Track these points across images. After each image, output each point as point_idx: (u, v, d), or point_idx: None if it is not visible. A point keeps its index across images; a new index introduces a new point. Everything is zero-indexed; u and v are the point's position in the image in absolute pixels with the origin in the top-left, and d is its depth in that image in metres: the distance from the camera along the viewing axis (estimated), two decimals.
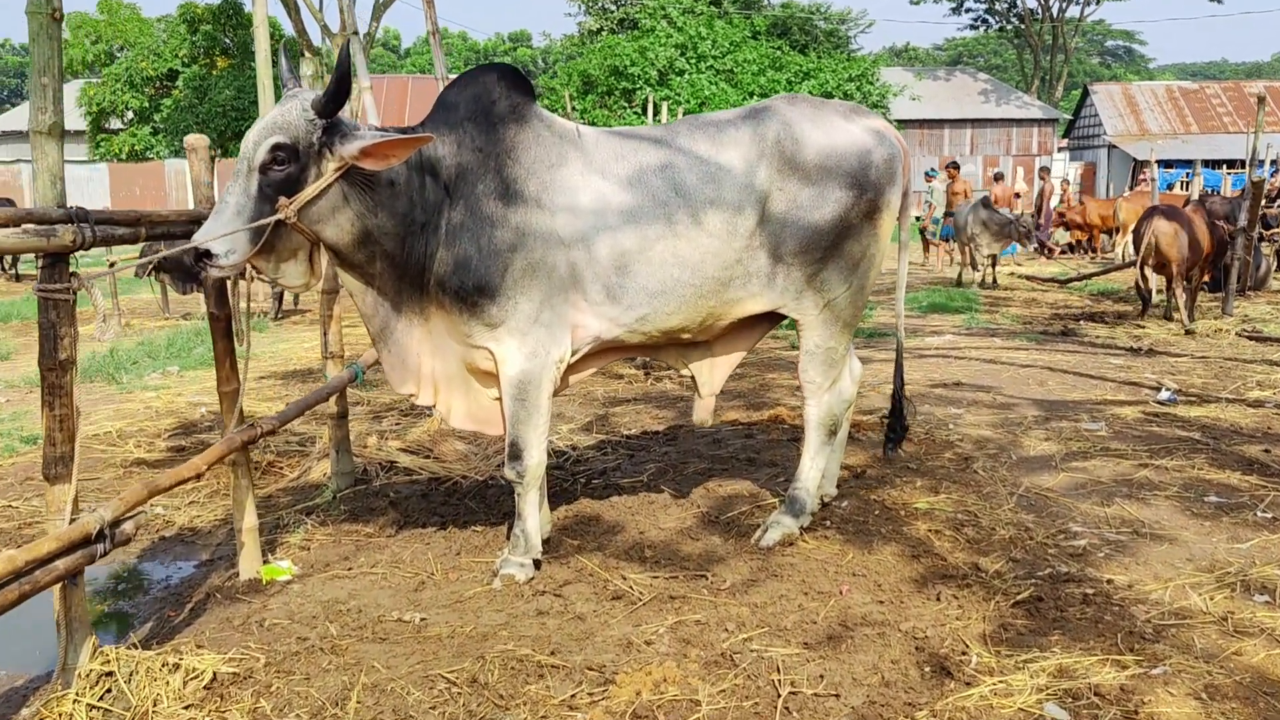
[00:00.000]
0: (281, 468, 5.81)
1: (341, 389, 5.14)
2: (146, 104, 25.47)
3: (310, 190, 3.44)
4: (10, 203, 20.95)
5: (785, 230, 3.95)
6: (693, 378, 4.37)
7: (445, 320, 3.85)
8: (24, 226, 2.75)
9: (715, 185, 3.89)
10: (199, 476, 3.59)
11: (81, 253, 3.12)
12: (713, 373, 4.35)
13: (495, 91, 3.78)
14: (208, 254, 3.33)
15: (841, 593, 3.79)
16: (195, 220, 3.58)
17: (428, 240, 3.71)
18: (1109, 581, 3.83)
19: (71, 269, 2.90)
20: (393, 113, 36.64)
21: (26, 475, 5.65)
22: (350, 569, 4.16)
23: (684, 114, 24.92)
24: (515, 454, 3.93)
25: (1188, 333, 10.10)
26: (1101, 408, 6.63)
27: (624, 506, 4.80)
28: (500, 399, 3.95)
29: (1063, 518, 4.52)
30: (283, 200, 3.41)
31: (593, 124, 27.88)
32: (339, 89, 3.38)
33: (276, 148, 3.39)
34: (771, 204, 3.94)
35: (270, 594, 3.94)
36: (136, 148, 25.34)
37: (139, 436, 6.55)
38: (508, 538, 4.28)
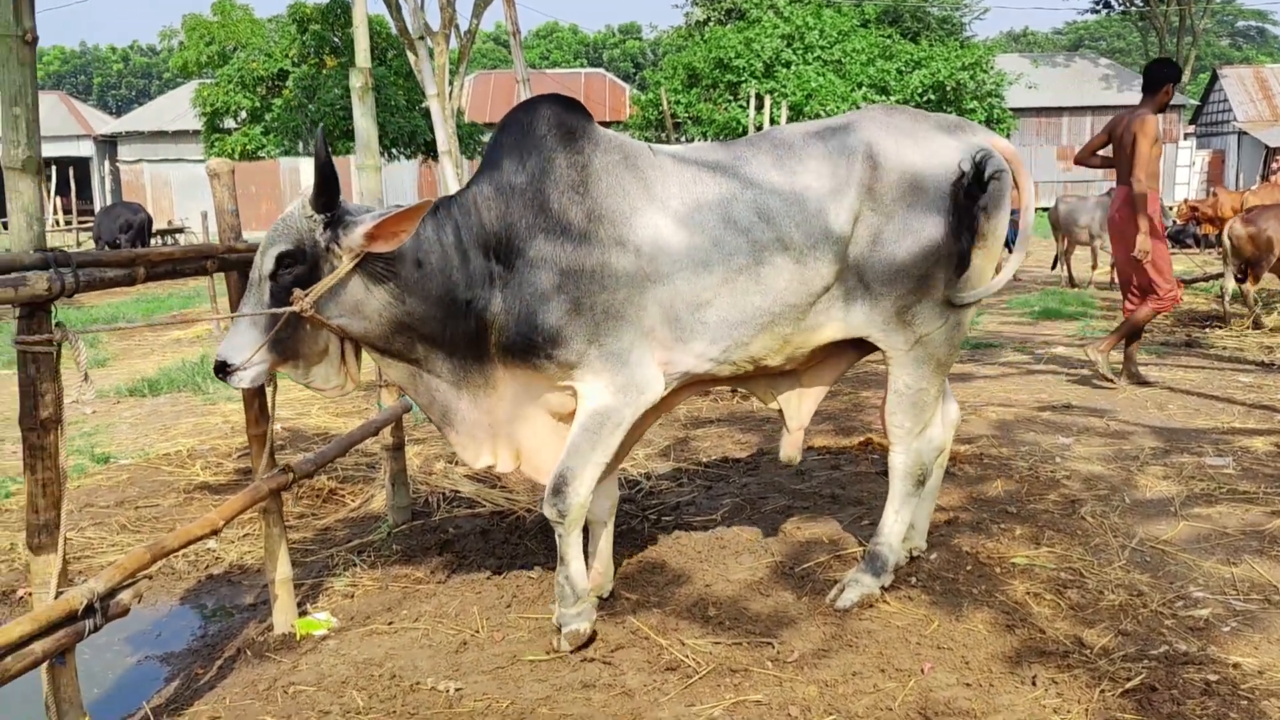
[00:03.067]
0: (343, 495, 5.60)
1: (395, 420, 4.87)
2: (258, 104, 25.91)
3: (324, 283, 3.25)
4: (140, 210, 21.46)
5: (875, 256, 3.54)
6: (780, 411, 4.01)
7: (520, 379, 3.54)
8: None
9: (801, 207, 3.50)
10: (215, 532, 3.33)
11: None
12: (801, 404, 3.99)
13: (542, 128, 3.43)
14: (226, 366, 3.26)
15: (923, 671, 3.34)
16: (204, 256, 3.33)
17: (481, 312, 3.41)
18: (1235, 666, 3.30)
19: (55, 319, 2.65)
20: (499, 108, 36.73)
21: (88, 501, 5.54)
22: (392, 622, 3.88)
23: (789, 107, 24.30)
24: (559, 486, 3.50)
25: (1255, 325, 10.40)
26: (1228, 438, 5.99)
27: (693, 551, 4.43)
28: None
29: (1182, 579, 3.99)
30: (297, 293, 3.24)
31: (697, 118, 27.45)
32: (325, 182, 3.18)
33: (280, 256, 3.26)
34: (861, 227, 3.53)
35: (303, 652, 3.67)
36: (249, 147, 25.80)
37: (209, 456, 6.41)
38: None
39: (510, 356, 3.46)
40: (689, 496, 5.26)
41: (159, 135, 37.15)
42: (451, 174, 6.73)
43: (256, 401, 3.62)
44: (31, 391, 2.59)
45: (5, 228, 30.92)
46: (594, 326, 3.35)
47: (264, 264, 3.27)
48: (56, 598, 2.64)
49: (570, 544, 3.61)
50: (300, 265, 3.25)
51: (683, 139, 27.59)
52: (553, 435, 3.68)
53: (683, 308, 3.45)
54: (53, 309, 2.64)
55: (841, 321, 3.65)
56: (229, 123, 26.95)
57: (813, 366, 3.91)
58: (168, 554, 3.10)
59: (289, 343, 3.31)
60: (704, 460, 5.93)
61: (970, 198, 3.56)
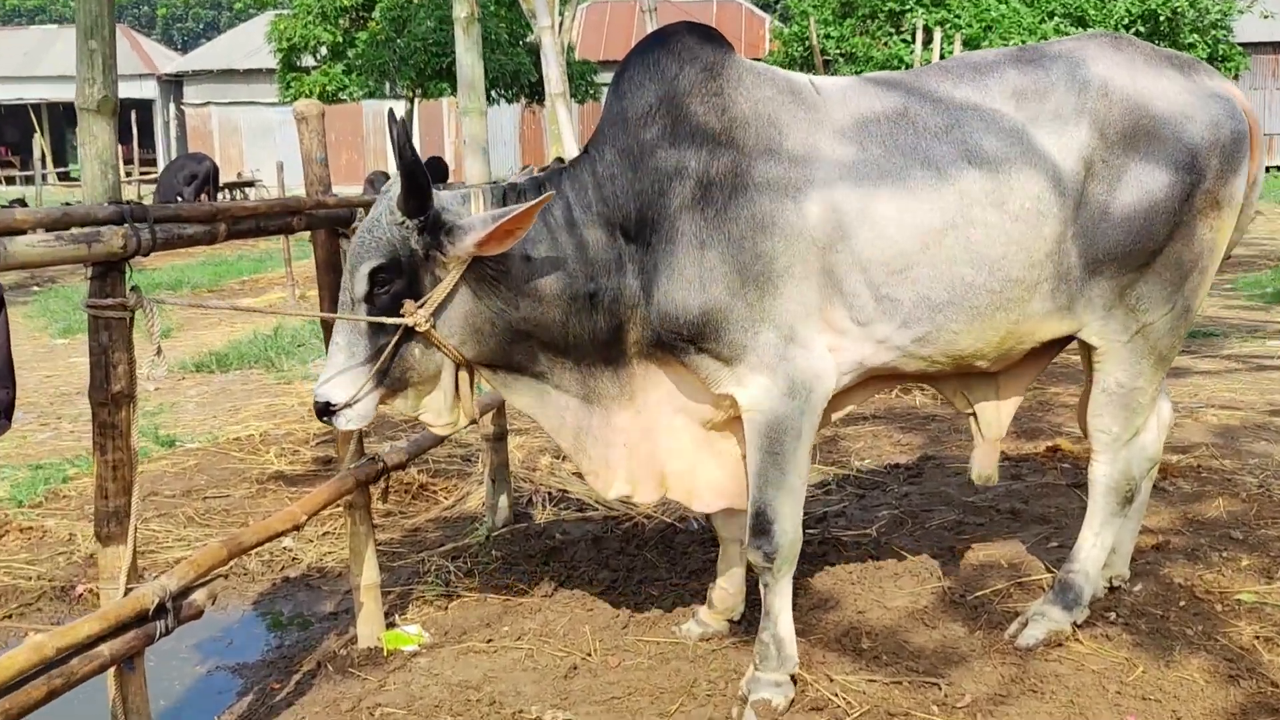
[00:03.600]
0: (436, 491, 5.77)
1: (497, 406, 4.97)
2: (340, 38, 26.44)
3: (437, 293, 3.25)
4: (204, 159, 22.21)
5: (1104, 220, 3.40)
6: (973, 416, 3.86)
7: (662, 385, 3.50)
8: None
9: (1021, 150, 3.34)
10: (297, 528, 3.45)
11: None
12: (999, 411, 3.83)
13: (674, 66, 3.34)
14: (328, 406, 3.27)
15: None
16: (291, 211, 3.43)
17: (611, 305, 3.36)
18: None
19: (131, 282, 2.77)
20: (615, 44, 36.87)
21: (152, 489, 5.79)
22: (491, 640, 3.97)
23: (963, 41, 23.85)
24: (762, 526, 3.41)
25: None
26: None
27: (843, 572, 4.43)
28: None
29: None
30: (409, 304, 3.24)
31: (851, 54, 27.14)
32: (413, 183, 3.13)
33: (374, 273, 3.24)
34: (1090, 182, 3.38)
35: (391, 669, 3.79)
36: (329, 88, 26.35)
37: (284, 442, 6.64)
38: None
39: (652, 355, 3.42)
40: (838, 506, 5.26)
41: (229, 75, 38.34)
42: (565, 119, 6.78)
43: None
44: (103, 362, 2.72)
45: (62, 179, 32.14)
46: (749, 308, 3.25)
47: (355, 286, 3.26)
48: (126, 595, 2.76)
49: (778, 594, 3.48)
50: (398, 279, 3.23)
51: None
52: (704, 450, 3.60)
53: (861, 281, 3.31)
54: (128, 269, 2.75)
55: (1064, 309, 3.49)
56: (307, 60, 27.58)
57: (1014, 365, 3.77)
58: (245, 550, 3.24)
59: (397, 370, 3.31)
60: (857, 465, 5.92)
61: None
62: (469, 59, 4.98)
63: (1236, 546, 4.52)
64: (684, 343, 3.31)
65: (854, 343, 3.40)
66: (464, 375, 3.47)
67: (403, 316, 3.22)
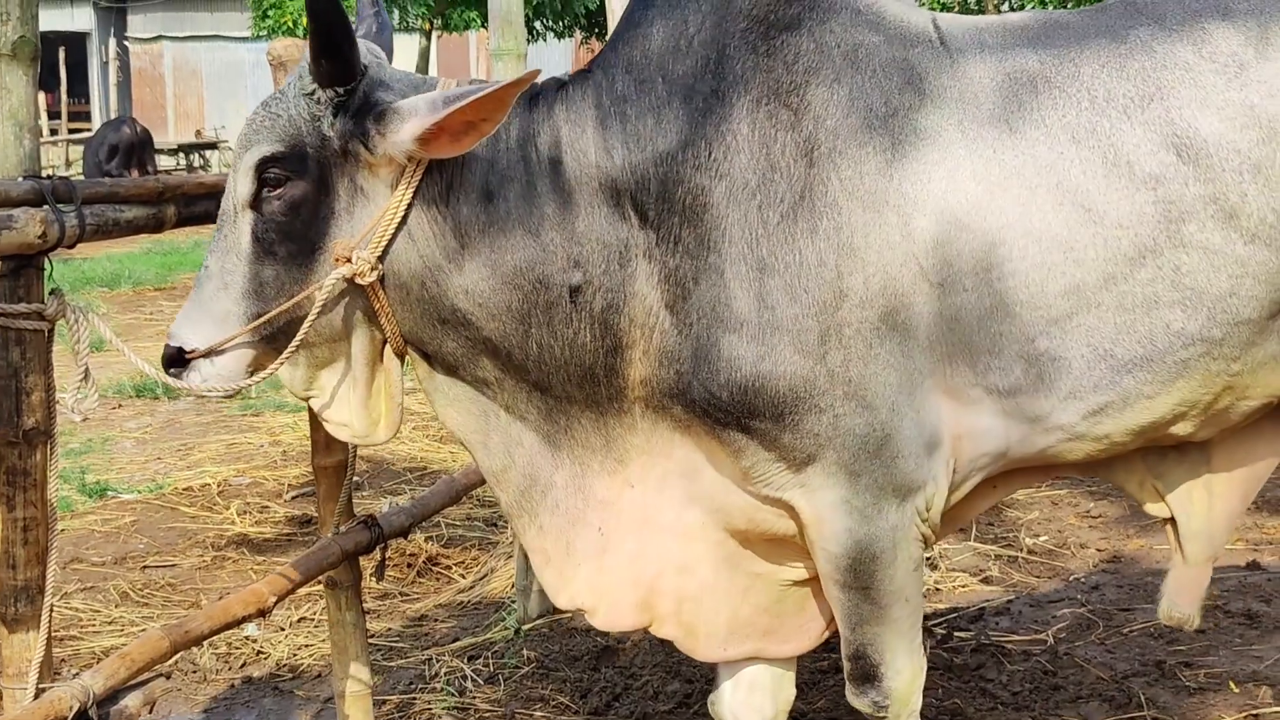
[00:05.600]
0: (449, 566, 5.81)
1: None
2: None
3: (383, 221, 2.95)
4: (123, 123, 22.47)
5: None
6: (1170, 521, 3.53)
7: (681, 456, 3.22)
8: None
9: (1255, 130, 3.05)
10: (263, 613, 3.45)
11: None
12: (1211, 508, 3.49)
13: None
14: (179, 355, 2.99)
15: None
16: None
17: (604, 313, 3.07)
18: None
19: (51, 284, 2.80)
20: None
21: (75, 554, 5.86)
22: None
23: None
24: (865, 671, 3.27)
25: None
26: None
27: (1005, 694, 4.38)
28: (808, 579, 3.35)
29: None
30: (341, 243, 2.93)
31: None
32: (328, 32, 2.78)
33: (265, 164, 2.93)
34: None
35: None
36: None
37: (250, 495, 6.68)
38: None
39: (668, 410, 3.15)
40: (1002, 601, 5.22)
41: (187, 0, 38.68)
42: None
43: None
44: (13, 388, 2.73)
45: None
46: (831, 378, 2.99)
47: (238, 183, 2.96)
48: (36, 698, 2.74)
49: None
50: (298, 181, 2.93)
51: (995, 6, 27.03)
52: (728, 571, 3.33)
53: (1004, 334, 3.05)
54: (48, 265, 2.76)
55: None
56: None
57: (1240, 435, 3.47)
58: (195, 641, 3.23)
59: (284, 318, 3.00)
60: (1028, 542, 5.89)
61: None
62: None
63: None
64: (725, 415, 3.05)
65: (990, 422, 3.16)
66: (391, 359, 3.16)
67: (332, 258, 2.94)
